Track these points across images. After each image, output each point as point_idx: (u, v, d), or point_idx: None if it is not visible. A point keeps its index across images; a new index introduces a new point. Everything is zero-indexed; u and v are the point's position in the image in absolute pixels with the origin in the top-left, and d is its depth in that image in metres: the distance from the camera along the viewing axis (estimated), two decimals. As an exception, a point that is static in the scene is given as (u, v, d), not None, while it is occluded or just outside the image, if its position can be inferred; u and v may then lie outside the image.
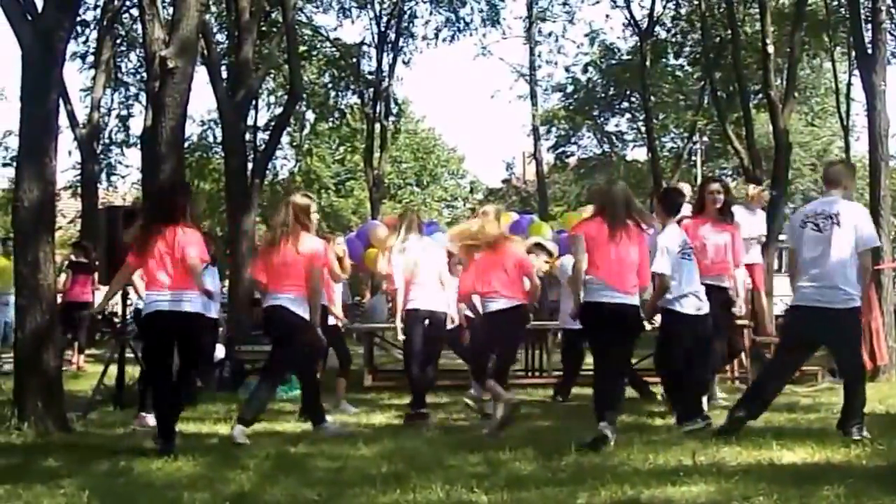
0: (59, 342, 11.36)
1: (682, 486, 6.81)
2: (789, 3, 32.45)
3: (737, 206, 12.40)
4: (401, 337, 11.94)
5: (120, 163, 39.42)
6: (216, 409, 11.95)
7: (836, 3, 31.88)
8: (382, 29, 38.42)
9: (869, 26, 18.08)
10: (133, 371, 13.09)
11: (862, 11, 18.73)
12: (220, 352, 15.79)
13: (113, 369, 12.95)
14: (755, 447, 8.20)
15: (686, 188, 15.96)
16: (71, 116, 30.75)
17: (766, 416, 10.46)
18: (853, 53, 25.62)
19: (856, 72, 25.94)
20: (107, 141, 37.58)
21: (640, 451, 8.17)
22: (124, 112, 38.05)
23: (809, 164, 49.25)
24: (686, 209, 11.88)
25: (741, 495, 6.51)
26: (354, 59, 39.22)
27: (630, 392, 13.01)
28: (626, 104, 45.19)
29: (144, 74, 27.53)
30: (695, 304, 10.01)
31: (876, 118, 16.98)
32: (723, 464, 7.57)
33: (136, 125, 37.33)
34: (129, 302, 13.94)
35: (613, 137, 47.74)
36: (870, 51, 17.57)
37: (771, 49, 26.53)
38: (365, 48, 39.45)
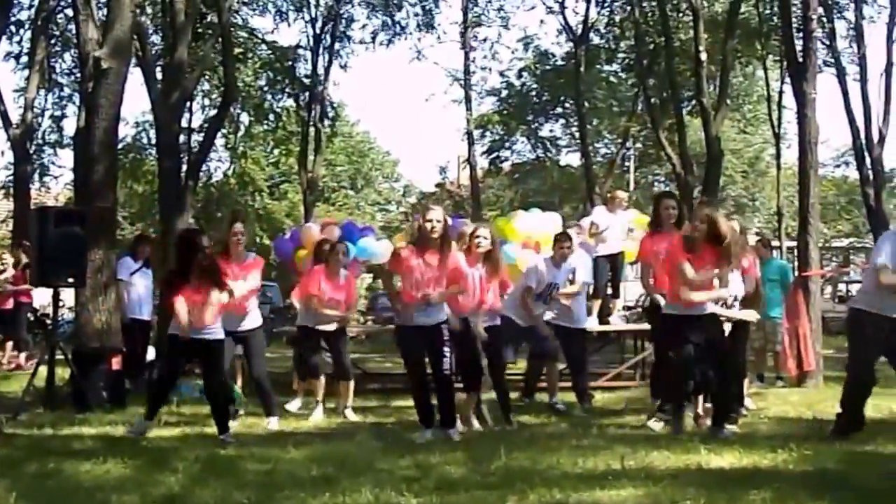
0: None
1: (610, 489, 6.86)
2: (722, 12, 32.77)
3: None
4: None
5: (53, 163, 38.95)
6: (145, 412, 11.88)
7: (768, 12, 32.26)
8: (318, 32, 38.37)
9: (800, 35, 18.28)
10: (63, 373, 13.01)
11: (793, 21, 18.93)
12: (150, 354, 15.72)
13: (43, 371, 12.87)
14: (684, 452, 8.27)
15: (622, 195, 16.19)
16: (4, 116, 30.48)
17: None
18: (785, 62, 25.89)
19: (787, 80, 26.24)
20: (40, 141, 37.15)
21: (568, 455, 8.22)
22: (58, 112, 37.63)
23: (741, 171, 49.75)
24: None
25: (669, 499, 6.56)
26: (290, 62, 39.10)
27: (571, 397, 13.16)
28: (560, 109, 45.39)
29: (78, 75, 27.31)
30: None
31: (806, 126, 17.14)
32: (651, 468, 7.63)
33: (70, 126, 36.96)
34: (60, 304, 13.84)
35: (547, 142, 47.88)
36: (801, 59, 17.76)
37: (704, 56, 26.82)
38: (301, 51, 39.39)
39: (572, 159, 49.58)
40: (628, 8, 35.27)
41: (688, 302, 9.59)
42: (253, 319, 11.45)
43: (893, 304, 9.17)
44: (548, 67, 44.05)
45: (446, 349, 9.94)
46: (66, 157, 41.49)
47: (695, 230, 9.57)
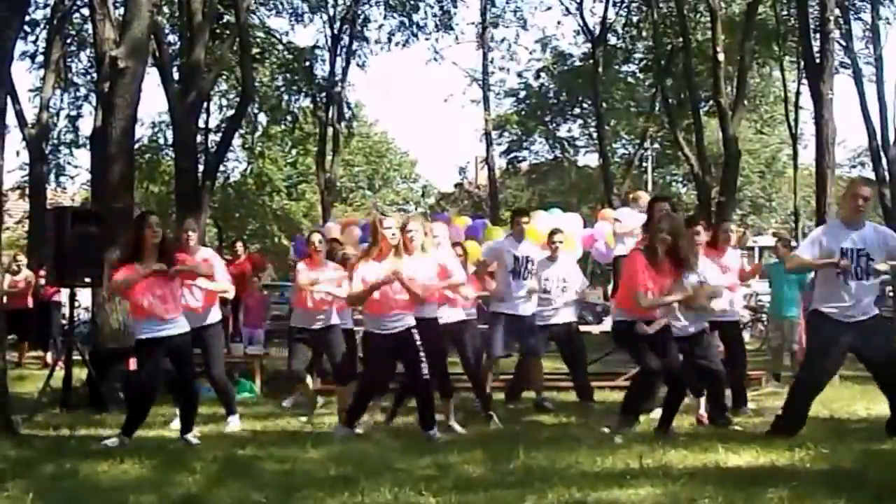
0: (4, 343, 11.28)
1: (628, 488, 6.84)
2: (740, 13, 32.72)
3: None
4: None
5: (69, 163, 39.05)
6: (163, 411, 11.87)
7: (785, 13, 32.22)
8: (336, 32, 38.42)
9: (817, 36, 18.26)
10: (80, 373, 13.01)
11: (810, 22, 18.91)
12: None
13: (59, 371, 12.90)
14: (701, 450, 8.25)
15: (644, 197, 16.07)
16: (20, 116, 30.55)
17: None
18: (802, 63, 25.86)
19: (804, 81, 26.21)
20: (56, 141, 37.23)
21: (587, 454, 8.19)
22: (74, 112, 37.72)
23: (758, 172, 49.67)
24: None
25: (687, 498, 6.54)
26: (307, 63, 39.15)
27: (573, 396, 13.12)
28: (577, 110, 45.52)
29: (94, 75, 27.35)
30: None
31: (823, 126, 17.19)
32: (669, 467, 7.61)
33: (86, 126, 37.08)
34: (76, 304, 13.83)
35: (565, 143, 47.99)
36: (818, 60, 17.76)
37: (721, 57, 26.78)
38: (318, 52, 39.46)
39: (590, 160, 49.77)
40: (646, 9, 35.30)
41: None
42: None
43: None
44: (565, 68, 44.14)
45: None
46: (82, 157, 41.55)
47: (656, 241, 9.40)
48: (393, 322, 9.82)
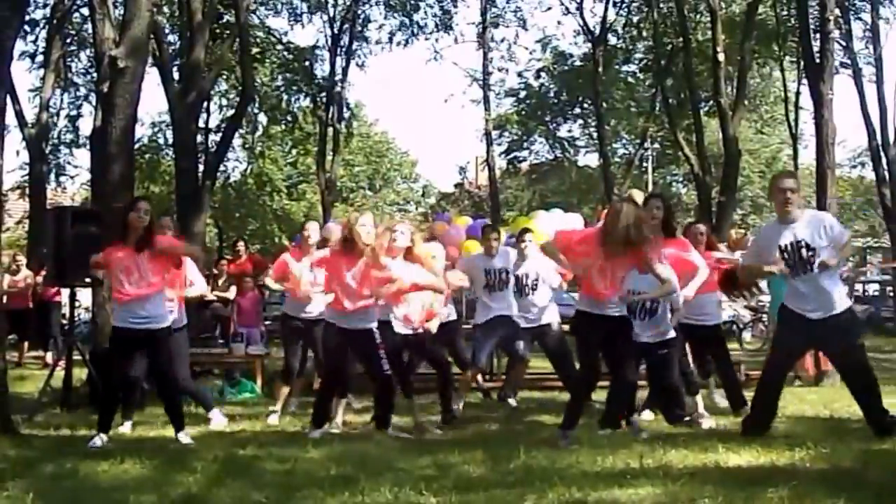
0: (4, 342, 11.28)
1: (629, 488, 6.84)
2: (740, 12, 32.74)
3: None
4: None
5: (69, 163, 39.05)
6: (164, 411, 11.90)
7: (785, 13, 32.21)
8: (336, 32, 38.40)
9: (817, 36, 18.25)
10: (80, 373, 13.01)
11: (811, 22, 18.91)
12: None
13: (60, 371, 12.90)
14: (701, 450, 8.25)
15: (639, 195, 16.01)
16: (19, 116, 30.54)
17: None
18: (802, 63, 25.84)
19: (804, 81, 26.21)
20: (55, 141, 37.23)
21: (587, 454, 8.19)
22: (74, 112, 37.72)
23: (758, 172, 49.63)
24: None
25: (687, 498, 6.54)
26: (307, 63, 39.13)
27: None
28: (578, 110, 45.46)
29: (94, 74, 27.34)
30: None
31: (823, 126, 17.17)
32: (669, 466, 7.61)
33: (86, 126, 37.09)
34: (76, 304, 13.82)
35: (565, 143, 47.95)
36: (818, 60, 17.75)
37: (721, 57, 26.79)
38: (318, 51, 39.45)
39: (590, 160, 49.74)
40: (646, 9, 35.32)
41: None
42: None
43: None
44: (566, 68, 44.09)
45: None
46: (82, 156, 41.59)
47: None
48: (352, 319, 9.89)
